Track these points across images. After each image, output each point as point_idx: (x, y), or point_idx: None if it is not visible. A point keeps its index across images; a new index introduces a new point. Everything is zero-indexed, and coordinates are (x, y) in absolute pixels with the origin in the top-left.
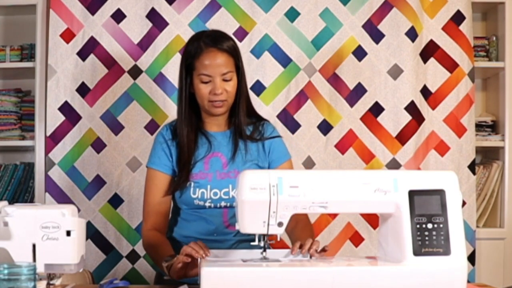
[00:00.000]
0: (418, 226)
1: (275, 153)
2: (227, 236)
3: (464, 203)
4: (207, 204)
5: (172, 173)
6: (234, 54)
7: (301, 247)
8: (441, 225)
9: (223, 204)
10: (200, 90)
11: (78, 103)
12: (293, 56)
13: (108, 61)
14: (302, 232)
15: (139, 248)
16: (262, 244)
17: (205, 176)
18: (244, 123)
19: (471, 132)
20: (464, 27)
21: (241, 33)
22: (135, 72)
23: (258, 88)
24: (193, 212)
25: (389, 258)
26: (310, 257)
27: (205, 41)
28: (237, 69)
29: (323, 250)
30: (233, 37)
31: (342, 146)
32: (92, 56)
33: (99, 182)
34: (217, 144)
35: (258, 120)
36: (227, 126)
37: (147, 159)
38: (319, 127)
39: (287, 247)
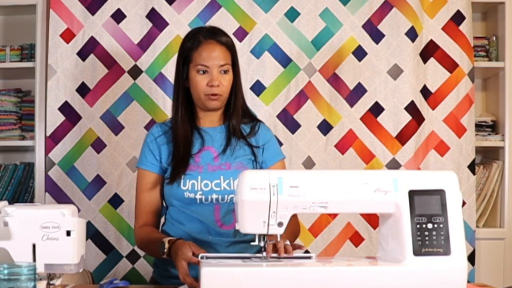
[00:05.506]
0: (418, 226)
1: (268, 153)
2: (222, 237)
3: (464, 203)
4: (198, 197)
5: (159, 171)
6: (232, 49)
7: (275, 248)
8: (441, 225)
9: (214, 197)
10: (197, 82)
11: (78, 103)
12: (293, 56)
13: (108, 61)
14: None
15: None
16: (262, 244)
17: (195, 168)
18: (240, 121)
19: (471, 132)
20: (464, 27)
21: (241, 33)
22: (135, 72)
23: (258, 88)
24: (183, 209)
25: (389, 258)
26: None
27: (204, 34)
28: (233, 66)
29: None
30: (231, 35)
31: (342, 146)
32: (92, 56)
33: (99, 182)
34: (209, 139)
35: (252, 120)
36: (220, 122)
37: None
38: (319, 127)
39: None
